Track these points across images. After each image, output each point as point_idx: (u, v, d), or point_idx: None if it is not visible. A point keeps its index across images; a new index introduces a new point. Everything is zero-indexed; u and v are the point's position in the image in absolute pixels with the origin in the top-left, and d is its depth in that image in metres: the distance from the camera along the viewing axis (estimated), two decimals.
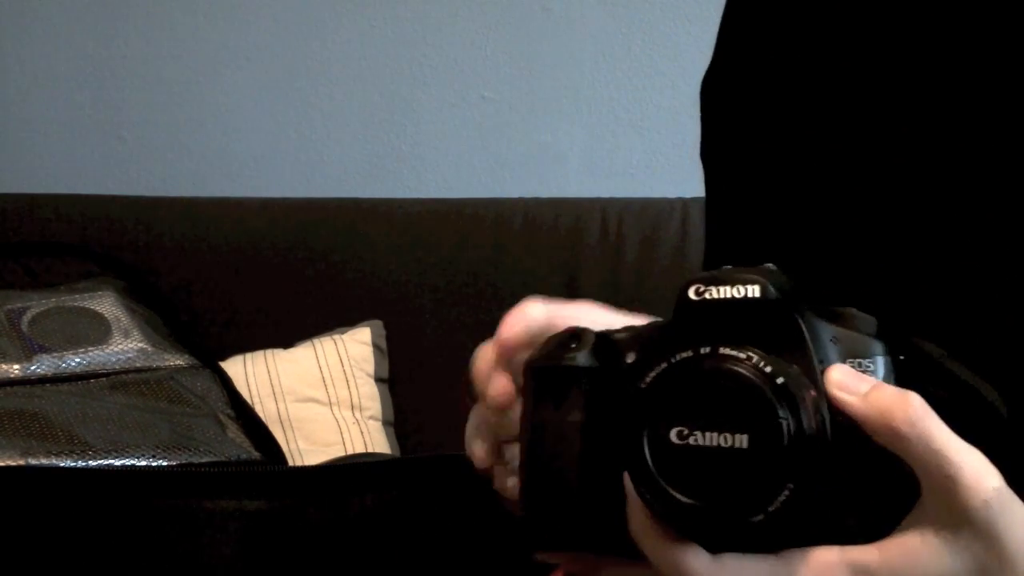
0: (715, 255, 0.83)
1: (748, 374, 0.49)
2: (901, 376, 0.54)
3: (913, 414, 0.51)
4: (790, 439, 0.49)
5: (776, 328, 0.51)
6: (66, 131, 2.12)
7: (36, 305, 1.68)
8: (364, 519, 1.17)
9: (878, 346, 0.54)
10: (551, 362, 0.56)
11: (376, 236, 1.87)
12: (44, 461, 1.37)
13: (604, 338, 0.56)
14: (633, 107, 2.03)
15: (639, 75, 2.02)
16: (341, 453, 1.67)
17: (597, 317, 0.60)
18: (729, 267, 0.53)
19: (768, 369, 0.49)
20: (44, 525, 1.15)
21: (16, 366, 1.58)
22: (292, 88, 2.09)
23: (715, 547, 0.51)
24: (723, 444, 0.49)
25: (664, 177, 2.02)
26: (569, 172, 2.06)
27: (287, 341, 1.81)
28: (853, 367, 0.53)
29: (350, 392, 1.76)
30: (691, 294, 0.52)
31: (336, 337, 1.79)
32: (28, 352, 1.60)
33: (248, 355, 1.78)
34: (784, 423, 0.49)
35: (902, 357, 0.55)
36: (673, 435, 0.50)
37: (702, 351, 0.50)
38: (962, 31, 0.70)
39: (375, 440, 1.73)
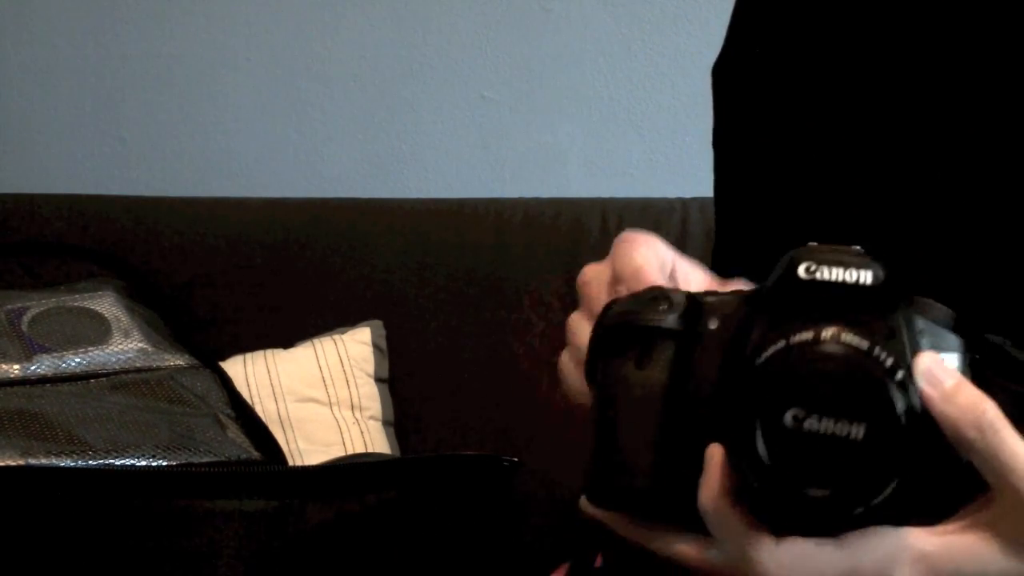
0: (724, 245, 0.83)
1: (872, 365, 0.49)
2: (977, 373, 0.53)
3: (984, 423, 0.51)
4: (906, 436, 0.48)
5: (880, 316, 0.50)
6: (66, 131, 2.12)
7: (36, 305, 1.68)
8: (364, 519, 1.17)
9: (956, 342, 0.53)
10: (640, 320, 0.55)
11: (376, 236, 1.87)
12: (44, 461, 1.37)
13: (693, 300, 0.55)
14: (633, 107, 2.03)
15: (639, 75, 2.02)
16: (341, 453, 1.67)
17: (698, 277, 0.61)
18: (826, 246, 0.52)
19: (889, 362, 0.49)
20: (44, 525, 1.15)
21: (16, 366, 1.58)
22: (292, 88, 2.09)
23: (786, 528, 0.51)
24: (838, 433, 0.48)
25: (664, 177, 2.02)
26: (569, 172, 2.06)
27: (287, 341, 1.81)
28: None
29: (350, 392, 1.76)
30: (801, 272, 0.51)
31: (336, 337, 1.79)
32: (28, 352, 1.60)
33: (248, 355, 1.78)
34: (902, 419, 0.48)
35: (977, 356, 0.54)
36: (788, 417, 0.49)
37: (823, 335, 0.49)
38: (972, 19, 0.70)
39: (375, 440, 1.73)
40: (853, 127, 0.74)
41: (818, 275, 0.50)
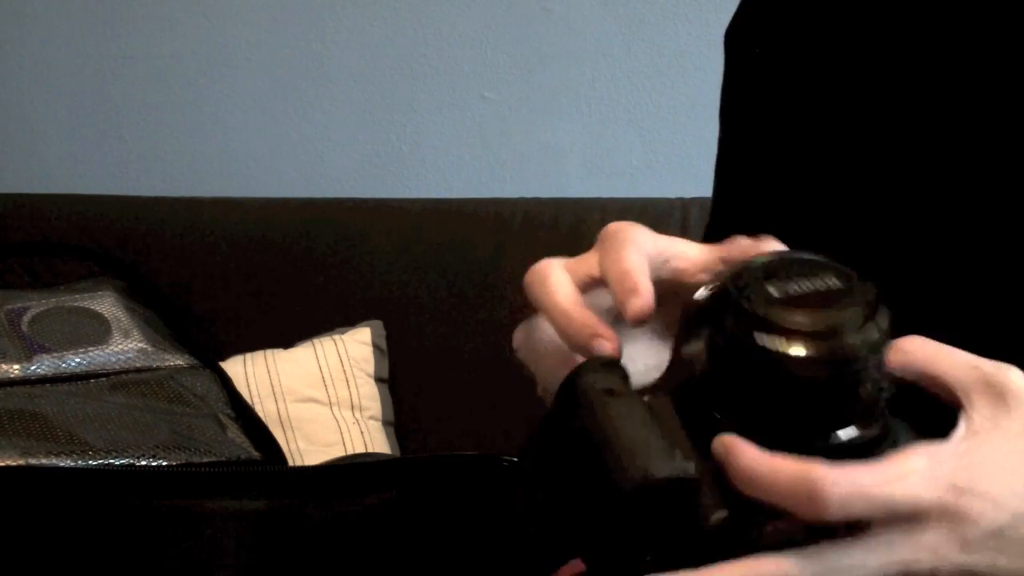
0: (721, 213, 0.83)
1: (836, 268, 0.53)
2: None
3: (923, 346, 0.54)
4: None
5: None
6: (66, 131, 2.12)
7: (36, 305, 1.68)
8: (364, 519, 1.17)
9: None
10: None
11: (376, 236, 1.87)
12: (44, 461, 1.37)
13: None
14: (633, 107, 2.03)
15: (639, 75, 2.02)
16: (341, 453, 1.67)
17: (693, 255, 0.64)
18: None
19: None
20: (44, 525, 1.15)
21: (16, 366, 1.58)
22: (292, 88, 2.09)
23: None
24: (818, 287, 0.53)
25: (664, 177, 2.02)
26: (569, 172, 2.06)
27: (287, 341, 1.81)
28: None
29: (350, 392, 1.76)
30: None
31: (336, 337, 1.79)
32: (28, 352, 1.60)
33: (248, 355, 1.78)
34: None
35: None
36: (771, 290, 0.53)
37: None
38: (975, 19, 0.70)
39: (375, 440, 1.73)
40: (851, 124, 0.74)
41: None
